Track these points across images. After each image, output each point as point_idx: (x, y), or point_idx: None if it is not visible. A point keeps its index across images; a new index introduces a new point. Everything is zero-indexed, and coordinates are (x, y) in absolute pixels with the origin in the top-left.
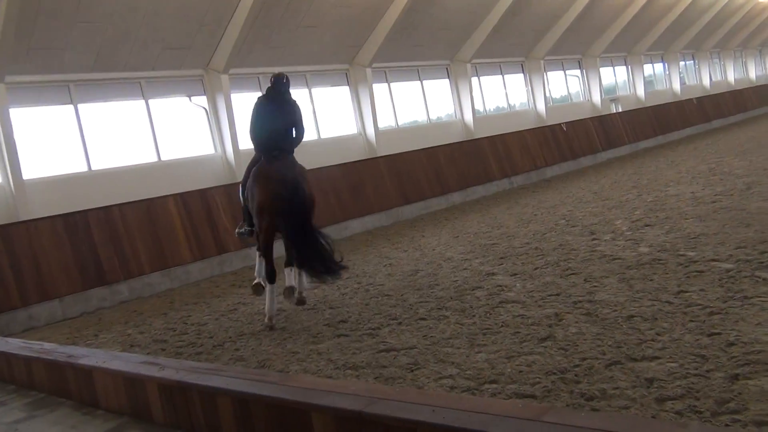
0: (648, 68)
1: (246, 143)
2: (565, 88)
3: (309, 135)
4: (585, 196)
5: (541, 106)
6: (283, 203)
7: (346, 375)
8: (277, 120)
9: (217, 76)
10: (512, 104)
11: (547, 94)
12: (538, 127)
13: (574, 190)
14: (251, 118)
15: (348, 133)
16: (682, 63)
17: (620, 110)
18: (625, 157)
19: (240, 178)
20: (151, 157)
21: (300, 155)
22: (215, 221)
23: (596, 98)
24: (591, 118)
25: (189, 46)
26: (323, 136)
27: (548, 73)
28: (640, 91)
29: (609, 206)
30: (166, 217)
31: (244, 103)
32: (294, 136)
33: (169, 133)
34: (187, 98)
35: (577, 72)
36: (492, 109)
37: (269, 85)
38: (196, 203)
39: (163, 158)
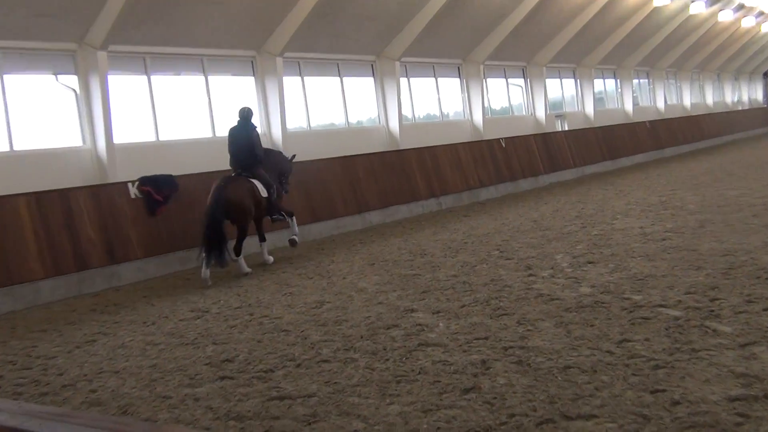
0: (599, 84)
1: (121, 137)
2: (506, 99)
3: (202, 133)
4: (523, 224)
5: (478, 117)
6: (210, 208)
7: (229, 427)
8: (239, 144)
9: (93, 52)
10: (445, 113)
11: (486, 104)
12: (474, 141)
13: (511, 217)
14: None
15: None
16: (635, 81)
17: (566, 128)
18: (569, 182)
19: (111, 178)
20: (1, 146)
21: (183, 158)
22: (77, 230)
23: (540, 113)
24: (534, 135)
25: (62, 15)
26: (218, 134)
27: (488, 80)
28: (589, 109)
29: (549, 238)
30: (13, 220)
31: (124, 86)
32: (255, 155)
33: (27, 117)
34: (54, 77)
35: (521, 81)
36: (422, 117)
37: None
38: (54, 206)
39: (16, 148)
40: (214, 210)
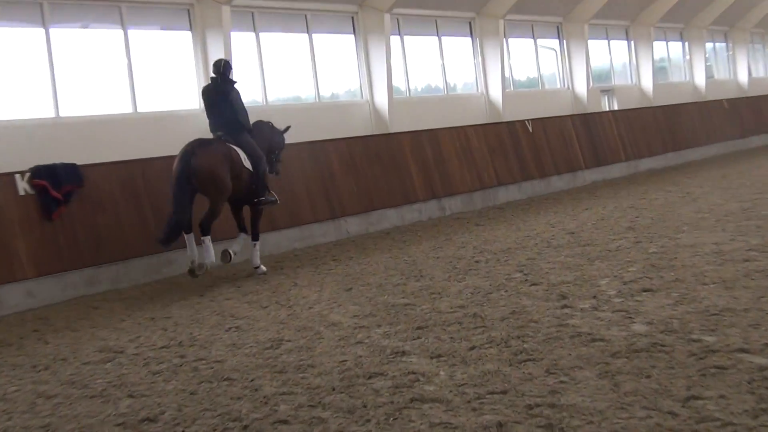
0: (660, 48)
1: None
2: (533, 66)
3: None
4: (555, 237)
5: (581, 88)
6: (175, 178)
7: None
8: (217, 108)
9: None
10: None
11: (506, 73)
12: (489, 124)
13: (539, 227)
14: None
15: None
16: (709, 45)
17: (615, 107)
18: (619, 180)
19: None
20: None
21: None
22: None
23: (581, 86)
24: (572, 117)
25: None
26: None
27: (509, 39)
28: (647, 82)
29: (591, 256)
30: None
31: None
32: (239, 122)
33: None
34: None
35: (554, 43)
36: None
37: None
38: None
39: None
40: (180, 181)
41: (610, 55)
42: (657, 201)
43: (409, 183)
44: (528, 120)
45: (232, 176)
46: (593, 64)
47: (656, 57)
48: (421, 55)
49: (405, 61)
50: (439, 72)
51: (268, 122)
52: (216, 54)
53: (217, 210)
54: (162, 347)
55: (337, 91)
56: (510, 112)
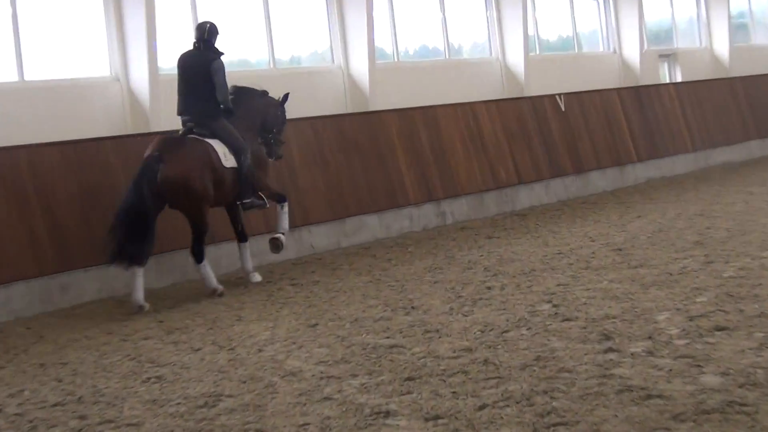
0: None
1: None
2: (568, 24)
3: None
4: (597, 254)
5: (632, 51)
6: (131, 191)
7: None
8: (192, 80)
9: None
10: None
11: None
12: (508, 100)
13: (574, 241)
14: None
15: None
16: None
17: (678, 79)
18: (682, 178)
19: None
20: None
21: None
22: None
23: (631, 49)
24: (619, 91)
25: None
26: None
27: None
28: (721, 44)
29: (645, 282)
30: None
31: None
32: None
33: None
34: None
35: None
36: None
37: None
38: None
39: None
40: (138, 194)
41: (671, 8)
42: (735, 207)
43: (396, 180)
44: (560, 95)
45: (214, 182)
46: (649, 18)
47: (734, 10)
48: (415, 6)
49: (392, 13)
50: (438, 29)
51: (262, 91)
52: (132, 7)
53: (202, 227)
54: (55, 405)
55: (299, 53)
56: (535, 84)
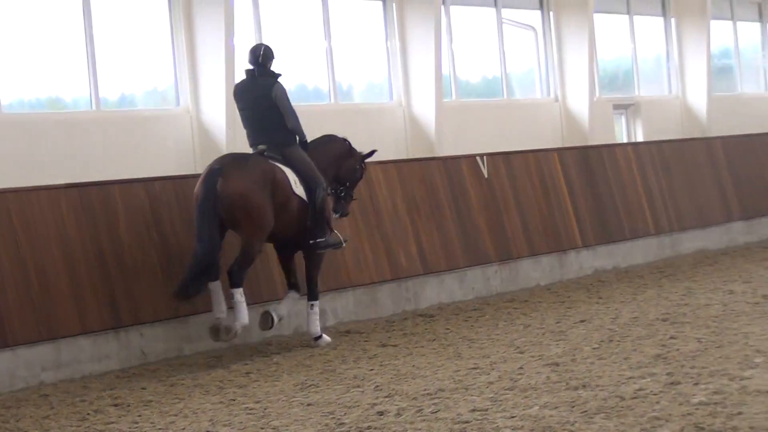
0: (719, 32)
1: None
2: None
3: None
4: (526, 370)
5: (578, 98)
6: (199, 208)
7: None
8: (254, 108)
9: None
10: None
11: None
12: (416, 160)
13: (495, 351)
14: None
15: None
16: None
17: (639, 137)
18: (643, 270)
19: None
20: None
21: None
22: None
23: (576, 95)
24: (559, 151)
25: None
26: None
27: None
28: (697, 91)
29: (588, 407)
30: None
31: None
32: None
33: None
34: None
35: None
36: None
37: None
38: None
39: None
40: (205, 210)
41: (633, 44)
42: (710, 310)
43: (263, 267)
44: (482, 155)
45: (276, 205)
46: (603, 57)
47: (715, 49)
48: (291, 34)
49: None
50: (322, 63)
51: (344, 139)
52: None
53: (253, 252)
54: None
55: (357, 85)
56: (450, 140)
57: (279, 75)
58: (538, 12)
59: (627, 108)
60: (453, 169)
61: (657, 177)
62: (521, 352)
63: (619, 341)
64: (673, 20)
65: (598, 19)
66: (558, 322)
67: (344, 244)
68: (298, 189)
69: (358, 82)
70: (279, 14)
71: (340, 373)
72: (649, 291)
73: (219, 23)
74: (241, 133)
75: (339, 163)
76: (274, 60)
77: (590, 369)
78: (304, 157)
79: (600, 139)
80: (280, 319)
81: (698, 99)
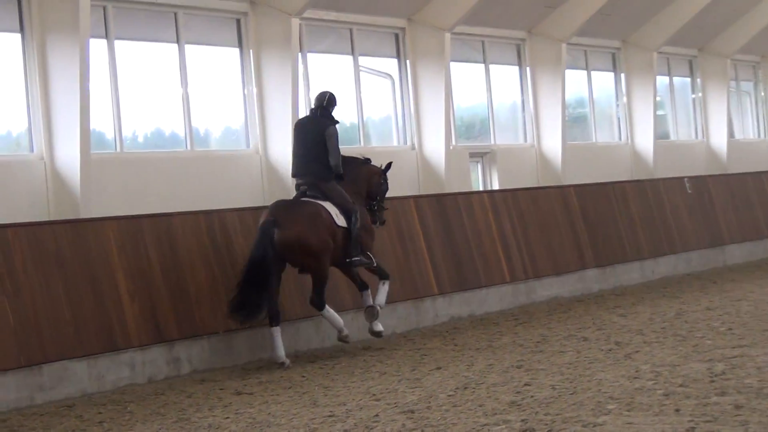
0: (575, 78)
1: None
2: None
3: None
4: (381, 418)
5: (434, 145)
6: (254, 253)
7: None
8: (307, 144)
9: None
10: None
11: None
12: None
13: (351, 398)
14: None
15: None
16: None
17: (495, 185)
18: (498, 318)
19: None
20: None
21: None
22: None
23: (433, 142)
24: (416, 199)
25: None
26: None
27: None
28: (551, 138)
29: None
30: None
31: None
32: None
33: None
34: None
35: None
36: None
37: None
38: None
39: None
40: (260, 256)
41: (488, 93)
42: (564, 357)
43: (115, 313)
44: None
45: (330, 235)
46: (461, 104)
47: (569, 98)
48: (147, 79)
49: (115, 89)
50: (179, 109)
51: (366, 159)
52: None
53: (322, 281)
54: None
55: (214, 132)
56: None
57: (337, 122)
58: (395, 60)
59: (483, 156)
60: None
61: (512, 225)
62: (377, 400)
63: (474, 388)
64: (528, 69)
65: (455, 67)
66: (414, 370)
67: (375, 265)
68: (340, 220)
69: (215, 128)
70: (135, 60)
71: (195, 422)
72: (504, 338)
73: (74, 68)
74: (96, 179)
75: (367, 183)
76: (335, 107)
77: (445, 416)
78: (340, 191)
79: (456, 187)
80: (381, 307)
81: (553, 147)
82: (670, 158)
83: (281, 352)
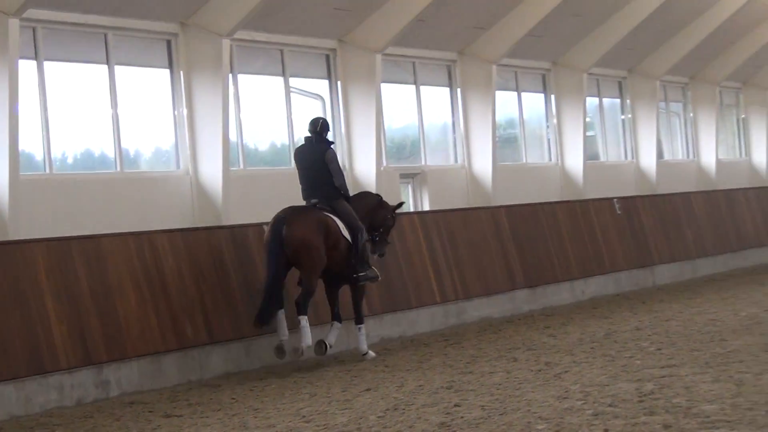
0: (506, 99)
1: None
2: None
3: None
4: None
5: (365, 166)
6: (268, 248)
7: None
8: (310, 171)
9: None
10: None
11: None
12: (204, 229)
13: (280, 420)
14: None
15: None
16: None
17: (426, 206)
18: (429, 338)
19: None
20: None
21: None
22: None
23: (364, 163)
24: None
25: None
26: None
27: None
28: (482, 159)
29: None
30: None
31: None
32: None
33: None
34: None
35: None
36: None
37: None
38: None
39: None
40: (274, 250)
41: (419, 114)
42: (493, 378)
43: (42, 334)
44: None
45: (328, 247)
46: (390, 125)
47: (499, 119)
48: (75, 98)
49: (44, 109)
50: (108, 130)
51: (377, 195)
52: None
53: (312, 284)
54: None
55: (144, 153)
56: (238, 209)
57: (332, 143)
58: (326, 81)
59: (414, 177)
60: (240, 237)
61: (443, 245)
62: (307, 422)
63: (404, 409)
64: (459, 91)
65: (386, 88)
66: (344, 391)
67: (379, 278)
68: (345, 233)
69: (145, 149)
70: (65, 81)
71: None
72: (435, 359)
73: (3, 90)
74: (25, 201)
75: (373, 214)
76: (329, 131)
77: None
78: (348, 208)
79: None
80: (330, 346)
81: (483, 168)
82: (599, 179)
83: (285, 331)
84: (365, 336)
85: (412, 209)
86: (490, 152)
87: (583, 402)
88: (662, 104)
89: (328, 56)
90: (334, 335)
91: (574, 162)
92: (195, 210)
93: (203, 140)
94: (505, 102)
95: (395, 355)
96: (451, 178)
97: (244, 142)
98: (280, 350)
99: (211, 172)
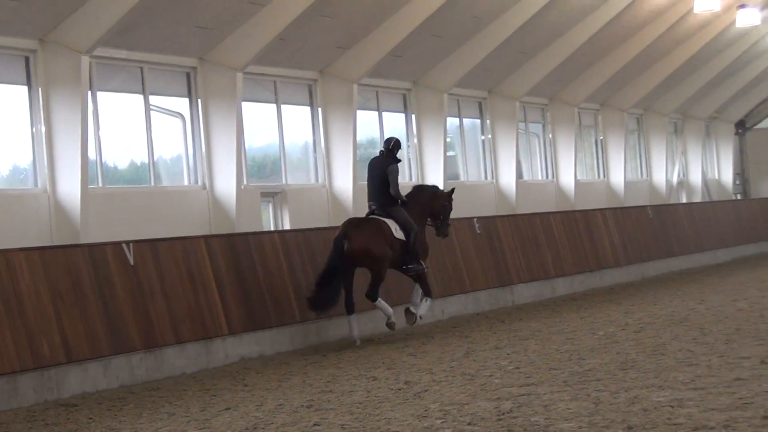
0: (367, 118)
1: None
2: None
3: None
4: None
5: (226, 185)
6: (330, 259)
7: None
8: (374, 179)
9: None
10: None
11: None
12: (60, 247)
13: None
14: None
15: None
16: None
17: (286, 225)
18: (288, 356)
19: None
20: None
21: None
22: None
23: (224, 182)
24: (207, 238)
25: None
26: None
27: None
28: (342, 177)
29: None
30: None
31: None
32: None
33: None
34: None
35: None
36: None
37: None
38: None
39: None
40: (332, 263)
41: (279, 133)
42: (354, 396)
43: None
44: (128, 243)
45: (388, 246)
46: (251, 144)
47: (362, 136)
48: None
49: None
50: None
51: (432, 186)
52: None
53: (380, 279)
54: None
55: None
56: (98, 227)
57: (399, 161)
58: (186, 99)
59: (274, 196)
60: (98, 256)
61: (303, 264)
62: None
63: (263, 428)
64: (320, 110)
65: (246, 107)
66: (203, 410)
67: (427, 269)
68: (398, 234)
69: (2, 166)
70: None
71: None
72: (294, 378)
73: None
74: None
75: (432, 204)
76: (400, 149)
77: None
78: (403, 212)
79: (247, 227)
80: (420, 318)
81: (344, 187)
82: (459, 198)
83: (356, 333)
84: (429, 307)
85: (272, 228)
86: (351, 171)
87: (442, 421)
88: (522, 125)
89: (188, 74)
90: (425, 308)
91: (435, 181)
92: (53, 228)
93: (61, 158)
94: (367, 122)
95: (255, 373)
96: (312, 197)
97: (103, 159)
98: (391, 326)
99: (70, 190)
